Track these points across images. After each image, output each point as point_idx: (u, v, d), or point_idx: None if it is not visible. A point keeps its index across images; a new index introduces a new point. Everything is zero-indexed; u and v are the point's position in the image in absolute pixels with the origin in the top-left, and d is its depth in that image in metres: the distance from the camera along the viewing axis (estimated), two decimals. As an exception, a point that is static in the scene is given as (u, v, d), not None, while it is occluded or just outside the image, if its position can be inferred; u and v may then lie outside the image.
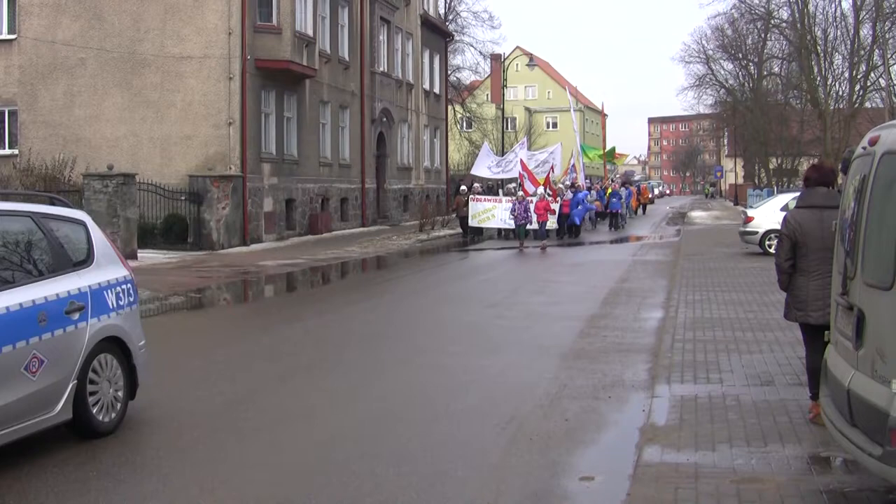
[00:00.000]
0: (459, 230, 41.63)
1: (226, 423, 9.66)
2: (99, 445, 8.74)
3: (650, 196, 70.26)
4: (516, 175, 40.87)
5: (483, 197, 40.76)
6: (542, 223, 35.15)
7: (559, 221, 38.51)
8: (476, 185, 43.54)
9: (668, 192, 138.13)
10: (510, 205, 36.18)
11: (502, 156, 46.43)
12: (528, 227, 35.32)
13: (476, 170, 44.80)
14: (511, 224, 35.99)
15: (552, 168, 42.81)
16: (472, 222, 39.37)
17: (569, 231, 39.61)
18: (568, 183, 43.91)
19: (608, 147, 72.95)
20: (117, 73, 33.43)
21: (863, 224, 6.63)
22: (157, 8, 33.18)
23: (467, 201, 39.64)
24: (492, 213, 38.84)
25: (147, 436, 9.17)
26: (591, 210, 43.59)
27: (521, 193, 36.11)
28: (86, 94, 33.73)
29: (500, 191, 44.93)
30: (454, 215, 43.39)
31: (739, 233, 30.09)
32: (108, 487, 7.56)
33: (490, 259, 29.98)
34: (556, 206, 37.92)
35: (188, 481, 7.73)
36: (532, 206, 35.34)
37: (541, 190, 37.07)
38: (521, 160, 40.45)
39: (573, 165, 49.37)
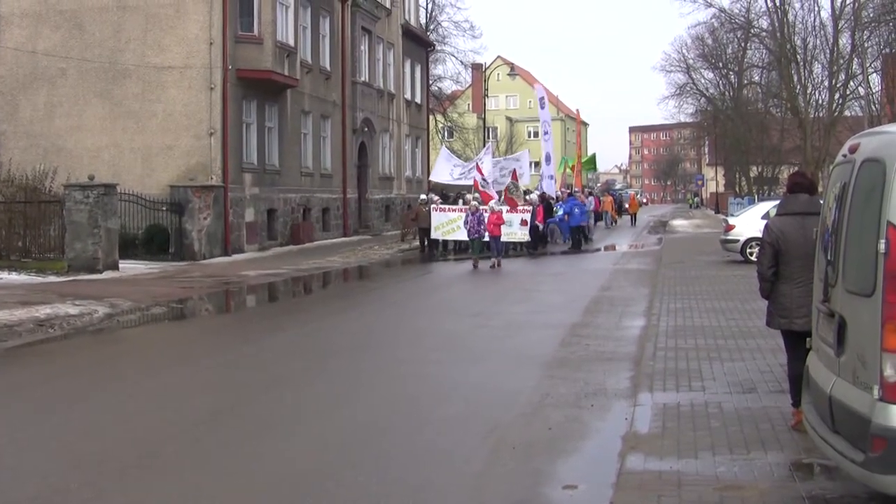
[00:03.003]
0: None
1: (208, 433, 9.63)
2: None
3: (638, 205, 69.85)
4: (488, 181, 37.57)
5: (447, 207, 37.00)
6: (495, 238, 31.08)
7: (531, 233, 35.77)
8: (433, 195, 40.84)
9: (645, 200, 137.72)
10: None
11: (467, 161, 43.88)
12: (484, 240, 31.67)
13: (436, 175, 41.90)
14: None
15: (514, 173, 39.50)
16: (434, 234, 35.95)
17: (573, 241, 38.01)
18: (541, 191, 42.52)
19: (588, 155, 72.95)
20: (98, 83, 33.37)
21: (843, 231, 6.67)
22: (137, 18, 33.13)
23: (429, 211, 36.24)
24: (457, 223, 34.53)
25: (132, 442, 9.15)
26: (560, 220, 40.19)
27: (474, 204, 32.46)
28: (67, 104, 33.65)
29: (461, 201, 39.63)
30: (414, 226, 39.06)
31: (720, 241, 30.16)
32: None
33: (471, 269, 29.89)
34: (528, 217, 35.32)
35: (169, 492, 7.71)
36: (486, 218, 31.41)
37: (493, 203, 33.81)
38: (478, 165, 37.28)
39: (546, 173, 47.62)
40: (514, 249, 35.49)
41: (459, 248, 36.32)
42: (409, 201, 53.18)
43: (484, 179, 36.01)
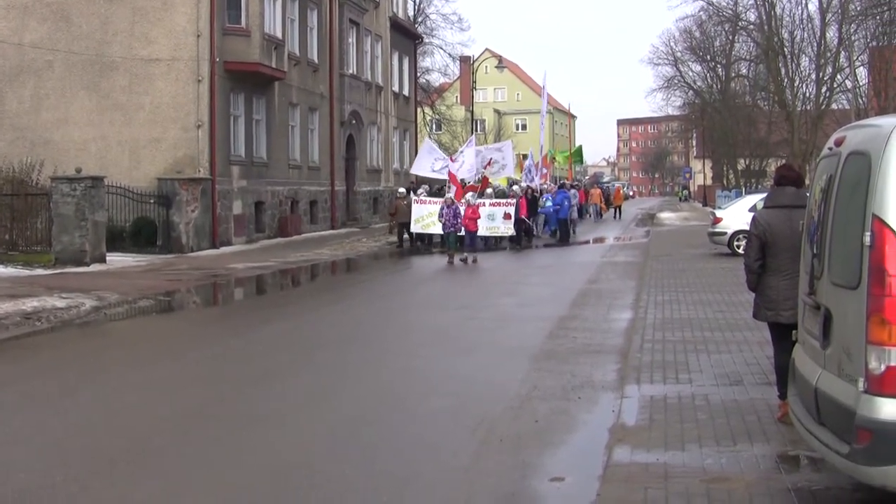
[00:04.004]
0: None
1: (195, 426, 9.63)
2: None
3: (623, 198, 69.66)
4: (467, 175, 36.54)
5: (428, 199, 35.04)
6: (472, 233, 30.34)
7: (516, 226, 34.34)
8: (424, 186, 39.63)
9: (632, 193, 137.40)
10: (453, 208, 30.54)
11: (448, 155, 40.92)
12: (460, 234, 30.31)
13: (417, 168, 39.91)
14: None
15: (488, 163, 38.43)
16: (414, 227, 34.61)
17: (561, 233, 37.84)
18: (526, 184, 41.28)
19: (575, 147, 72.95)
20: (85, 75, 33.25)
21: (829, 224, 6.69)
22: (124, 10, 33.00)
23: (409, 205, 34.84)
24: (435, 216, 32.40)
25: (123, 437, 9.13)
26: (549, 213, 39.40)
27: (450, 196, 31.29)
28: (53, 96, 33.53)
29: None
30: (393, 220, 37.77)
31: (708, 234, 30.21)
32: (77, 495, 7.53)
33: (458, 262, 29.82)
34: (511, 211, 34.10)
35: (156, 485, 7.70)
36: (462, 212, 30.33)
37: (469, 195, 32.09)
38: (451, 159, 35.82)
39: (532, 165, 45.65)
40: (496, 243, 34.85)
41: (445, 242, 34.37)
42: (396, 194, 53.07)
43: (453, 178, 34.59)
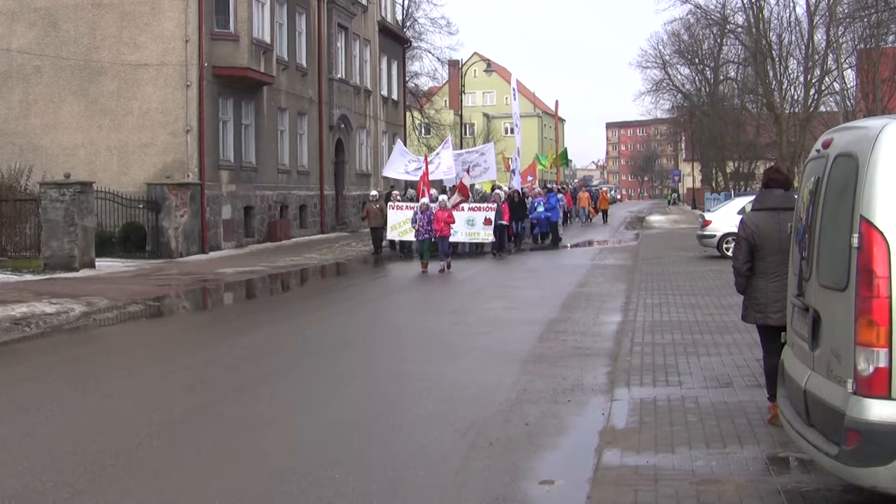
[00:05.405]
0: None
1: (185, 431, 9.60)
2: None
3: (608, 202, 69.44)
4: (444, 178, 35.95)
5: (404, 204, 33.43)
6: (443, 238, 27.82)
7: (497, 232, 32.78)
8: (411, 190, 38.11)
9: (619, 197, 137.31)
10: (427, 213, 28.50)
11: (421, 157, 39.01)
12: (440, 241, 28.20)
13: (388, 170, 38.68)
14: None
15: (468, 170, 36.56)
16: (391, 234, 33.27)
17: (545, 238, 37.73)
18: (511, 188, 39.42)
19: (561, 150, 72.86)
20: (74, 80, 33.22)
21: (817, 226, 6.71)
22: (113, 15, 32.99)
23: (381, 209, 33.91)
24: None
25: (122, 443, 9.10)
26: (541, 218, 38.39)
27: (424, 201, 29.37)
28: (42, 102, 33.48)
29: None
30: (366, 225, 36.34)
31: (697, 236, 30.29)
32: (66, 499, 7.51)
33: (437, 271, 29.66)
34: (492, 216, 32.77)
35: (147, 490, 7.68)
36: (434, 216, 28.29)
37: (443, 197, 30.18)
38: (426, 159, 34.11)
39: (518, 168, 44.15)
40: (478, 249, 33.83)
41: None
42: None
43: (425, 180, 32.78)
